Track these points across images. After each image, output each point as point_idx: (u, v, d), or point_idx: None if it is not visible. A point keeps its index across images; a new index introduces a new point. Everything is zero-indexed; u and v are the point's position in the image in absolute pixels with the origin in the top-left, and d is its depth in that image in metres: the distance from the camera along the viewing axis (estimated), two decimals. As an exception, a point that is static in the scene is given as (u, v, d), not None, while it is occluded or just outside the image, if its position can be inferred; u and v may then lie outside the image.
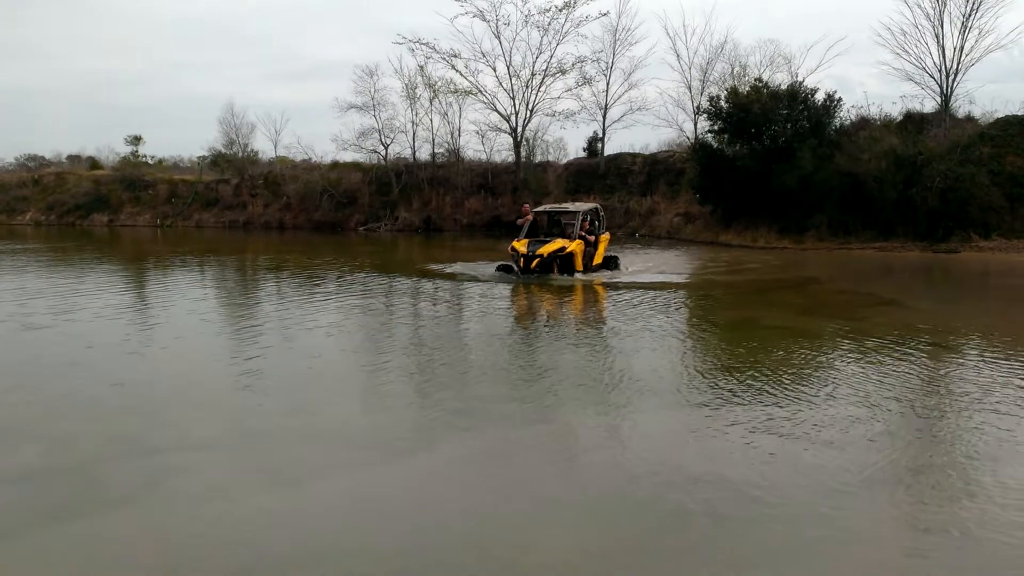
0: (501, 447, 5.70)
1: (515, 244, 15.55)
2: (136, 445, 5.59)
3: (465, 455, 5.54)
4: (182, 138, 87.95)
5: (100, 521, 4.41)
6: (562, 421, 6.30)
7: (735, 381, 7.27)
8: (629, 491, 4.79)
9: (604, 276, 15.92)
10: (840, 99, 24.95)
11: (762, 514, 4.44)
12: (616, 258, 17.21)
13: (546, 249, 15.10)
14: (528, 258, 15.03)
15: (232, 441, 5.79)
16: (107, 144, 54.93)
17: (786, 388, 7.02)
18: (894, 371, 7.65)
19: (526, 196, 32.66)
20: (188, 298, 13.31)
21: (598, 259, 16.45)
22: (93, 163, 43.99)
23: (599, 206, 17.84)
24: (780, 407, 6.42)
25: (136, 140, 42.19)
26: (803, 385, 7.16)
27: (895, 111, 26.10)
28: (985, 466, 5.13)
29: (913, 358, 8.28)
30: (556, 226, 16.65)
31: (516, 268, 15.27)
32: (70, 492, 4.78)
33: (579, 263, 15.43)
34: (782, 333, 9.84)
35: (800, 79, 26.30)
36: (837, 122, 25.12)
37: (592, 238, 16.13)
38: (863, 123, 25.36)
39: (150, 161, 42.93)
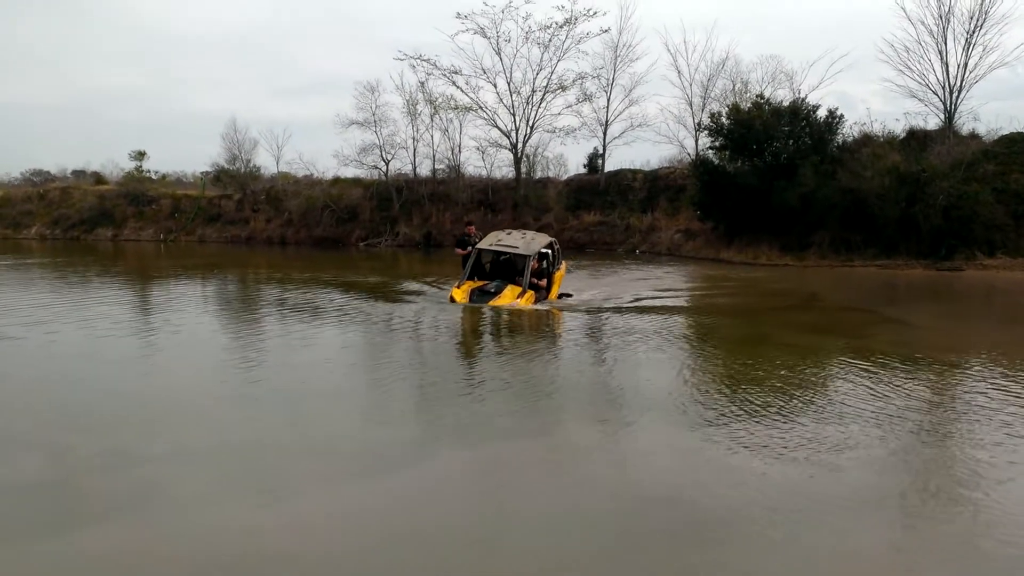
0: (493, 461, 5.59)
1: (454, 293, 13.06)
2: (126, 457, 5.50)
3: (456, 469, 5.45)
4: (185, 154, 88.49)
5: (83, 535, 4.31)
6: (559, 436, 6.20)
7: (736, 399, 7.14)
8: (609, 507, 4.69)
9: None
10: (842, 116, 24.89)
11: (751, 534, 4.31)
12: (569, 294, 14.62)
13: (492, 305, 12.61)
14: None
15: (224, 453, 5.69)
16: (111, 159, 55.16)
17: (787, 407, 6.90)
18: (896, 392, 7.51)
19: (527, 212, 32.65)
20: (188, 311, 13.22)
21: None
22: (98, 178, 44.12)
23: (554, 240, 14.95)
24: (780, 426, 6.30)
25: (140, 155, 42.24)
26: (804, 404, 7.05)
27: (898, 128, 26.07)
28: (978, 490, 5.00)
29: (916, 378, 8.16)
30: (504, 262, 14.02)
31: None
32: (57, 504, 4.71)
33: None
34: (785, 351, 9.70)
35: (802, 96, 26.29)
36: (839, 139, 25.04)
37: (543, 282, 13.61)
38: (866, 140, 25.26)
39: (154, 176, 42.98)
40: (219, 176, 39.27)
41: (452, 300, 12.94)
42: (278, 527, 4.41)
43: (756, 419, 6.43)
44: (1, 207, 40.97)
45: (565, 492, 4.96)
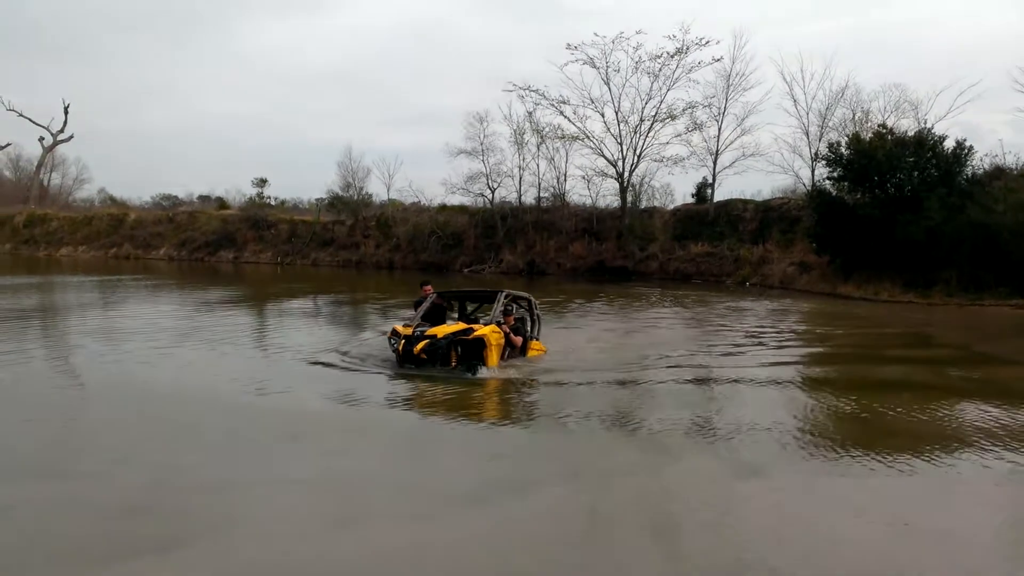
0: (591, 502, 5.36)
1: (398, 327, 10.59)
2: (227, 482, 5.62)
3: (544, 509, 5.26)
4: (302, 181, 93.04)
5: (148, 563, 4.30)
6: (669, 477, 5.96)
7: (864, 448, 6.67)
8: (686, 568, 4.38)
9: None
10: (971, 147, 23.42)
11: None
12: None
13: (442, 330, 10.26)
14: (412, 340, 9.98)
15: (320, 482, 5.72)
16: (235, 185, 58.80)
17: (923, 460, 6.39)
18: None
19: (631, 241, 32.28)
20: (307, 333, 13.75)
21: None
22: (221, 203, 47.02)
23: (532, 299, 12.00)
24: (914, 481, 5.84)
25: (262, 182, 44.66)
26: (941, 459, 6.50)
27: (1033, 161, 24.22)
28: None
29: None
30: (466, 315, 11.98)
31: (395, 355, 10.26)
32: (155, 525, 4.78)
33: (493, 357, 10.06)
34: (919, 399, 9.01)
35: (928, 126, 24.92)
36: (968, 171, 23.56)
37: (518, 339, 10.98)
38: (998, 172, 23.64)
39: (273, 202, 45.32)
40: (333, 203, 41.00)
41: (393, 333, 10.46)
42: (348, 560, 4.37)
43: (891, 474, 5.96)
44: (134, 229, 44.25)
45: (649, 541, 4.69)
